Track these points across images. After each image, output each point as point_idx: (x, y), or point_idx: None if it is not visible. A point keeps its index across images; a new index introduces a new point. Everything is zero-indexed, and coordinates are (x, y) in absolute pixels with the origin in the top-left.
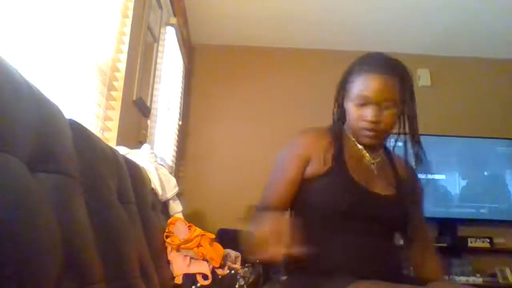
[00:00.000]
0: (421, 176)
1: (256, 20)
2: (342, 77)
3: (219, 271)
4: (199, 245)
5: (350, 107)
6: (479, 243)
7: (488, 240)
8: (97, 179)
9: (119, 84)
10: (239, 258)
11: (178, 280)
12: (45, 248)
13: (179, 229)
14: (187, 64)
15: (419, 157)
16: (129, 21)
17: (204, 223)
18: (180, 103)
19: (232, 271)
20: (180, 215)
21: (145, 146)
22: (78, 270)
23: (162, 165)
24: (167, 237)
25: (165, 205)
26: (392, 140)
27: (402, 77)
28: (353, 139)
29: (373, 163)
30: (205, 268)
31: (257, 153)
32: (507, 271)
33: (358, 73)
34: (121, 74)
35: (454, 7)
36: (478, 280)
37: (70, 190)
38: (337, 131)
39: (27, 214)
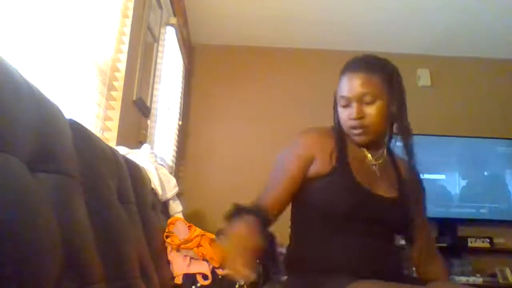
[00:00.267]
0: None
1: (256, 20)
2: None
3: (219, 271)
4: (199, 245)
5: (339, 111)
6: (479, 243)
7: (488, 240)
8: (97, 179)
9: (119, 84)
10: None
11: (178, 280)
12: (45, 248)
13: (179, 229)
14: (187, 64)
15: (410, 150)
16: (129, 21)
17: (204, 223)
18: (180, 103)
19: None
20: (180, 215)
21: (145, 146)
22: (78, 270)
23: (162, 165)
24: (167, 237)
25: (165, 205)
26: (392, 140)
27: (381, 71)
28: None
29: (375, 165)
30: (205, 268)
31: (257, 153)
32: (507, 271)
33: (339, 77)
34: (121, 74)
35: (454, 7)
36: (478, 280)
37: (70, 190)
38: (340, 133)
39: (27, 214)
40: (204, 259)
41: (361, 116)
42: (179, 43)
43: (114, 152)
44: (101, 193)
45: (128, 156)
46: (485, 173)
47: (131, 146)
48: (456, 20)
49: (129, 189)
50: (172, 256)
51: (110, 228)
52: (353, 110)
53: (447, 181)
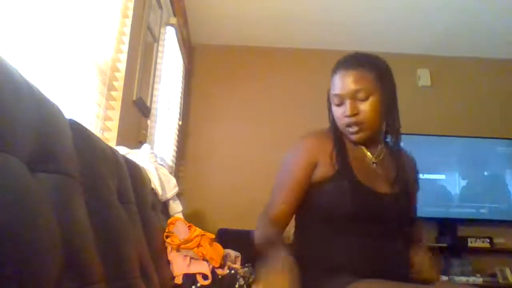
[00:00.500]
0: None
1: (256, 20)
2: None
3: (219, 271)
4: (199, 245)
5: (333, 110)
6: (479, 243)
7: (488, 240)
8: (97, 179)
9: (119, 84)
10: (239, 258)
11: (178, 280)
12: (45, 248)
13: (179, 229)
14: (187, 64)
15: (397, 148)
16: (129, 21)
17: (204, 223)
18: (180, 103)
19: (232, 271)
20: (180, 215)
21: (145, 146)
22: (78, 270)
23: (162, 165)
24: (167, 237)
25: (165, 205)
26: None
27: (372, 67)
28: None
29: (375, 162)
30: (205, 268)
31: (257, 153)
32: (507, 271)
33: (331, 76)
34: (121, 74)
35: (454, 7)
36: (478, 280)
37: (70, 190)
38: (338, 133)
39: (27, 214)
40: (204, 259)
41: (355, 113)
42: (179, 43)
43: (114, 152)
44: (101, 193)
45: (128, 156)
46: (485, 173)
47: (131, 146)
48: (456, 20)
49: (129, 189)
50: (172, 256)
51: (110, 228)
52: (347, 108)
53: (447, 181)
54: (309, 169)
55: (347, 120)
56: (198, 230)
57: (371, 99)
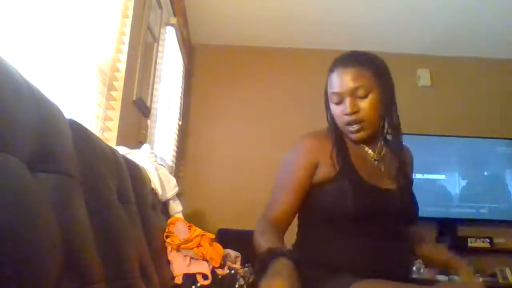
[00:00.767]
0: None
1: (256, 20)
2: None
3: (219, 271)
4: (199, 245)
5: (332, 109)
6: (479, 243)
7: (488, 240)
8: (97, 179)
9: (119, 84)
10: (239, 258)
11: (178, 280)
12: (45, 248)
13: (179, 229)
14: (187, 64)
15: (398, 146)
16: (129, 21)
17: (204, 223)
18: (180, 103)
19: (232, 271)
20: (180, 215)
21: (145, 146)
22: (78, 270)
23: (162, 165)
24: (167, 237)
25: (165, 205)
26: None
27: (371, 65)
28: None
29: (377, 159)
30: (205, 268)
31: (257, 153)
32: (507, 271)
33: (328, 75)
34: (121, 74)
35: (454, 7)
36: (478, 280)
37: (70, 190)
38: (337, 133)
39: (27, 214)
40: (204, 259)
41: (355, 111)
42: (179, 43)
43: (114, 152)
44: (101, 193)
45: (128, 156)
46: (485, 173)
47: (131, 146)
48: (456, 20)
49: (129, 189)
50: (172, 256)
51: (110, 228)
52: (346, 105)
53: (447, 181)
54: (310, 170)
55: (347, 118)
56: (198, 230)
57: (370, 96)
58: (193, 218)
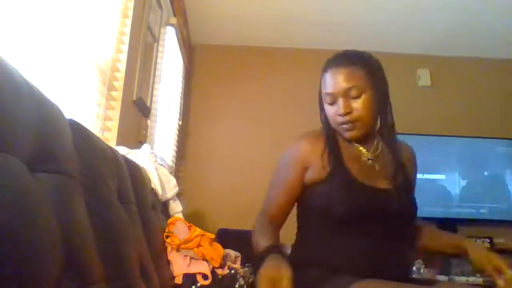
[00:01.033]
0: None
1: (256, 20)
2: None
3: (219, 271)
4: (199, 245)
5: (326, 109)
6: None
7: (488, 240)
8: (97, 179)
9: (119, 84)
10: (239, 258)
11: (178, 280)
12: (45, 248)
13: (179, 229)
14: (187, 64)
15: (392, 145)
16: (129, 21)
17: (204, 223)
18: (180, 103)
19: (232, 271)
20: (180, 215)
21: (145, 146)
22: (78, 270)
23: (162, 165)
24: (167, 237)
25: (165, 205)
26: None
27: (364, 64)
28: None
29: (372, 158)
30: (205, 268)
31: (257, 153)
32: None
33: (322, 75)
34: (121, 74)
35: (454, 7)
36: (478, 280)
37: (70, 190)
38: (330, 133)
39: (27, 214)
40: (204, 259)
41: (348, 111)
42: (179, 43)
43: (114, 152)
44: (101, 193)
45: (128, 156)
46: (485, 173)
47: (131, 146)
48: (456, 20)
49: (129, 189)
50: (172, 256)
51: (110, 228)
52: (340, 106)
53: (447, 181)
54: (300, 172)
55: (341, 119)
56: (198, 230)
57: (363, 96)
58: (193, 218)
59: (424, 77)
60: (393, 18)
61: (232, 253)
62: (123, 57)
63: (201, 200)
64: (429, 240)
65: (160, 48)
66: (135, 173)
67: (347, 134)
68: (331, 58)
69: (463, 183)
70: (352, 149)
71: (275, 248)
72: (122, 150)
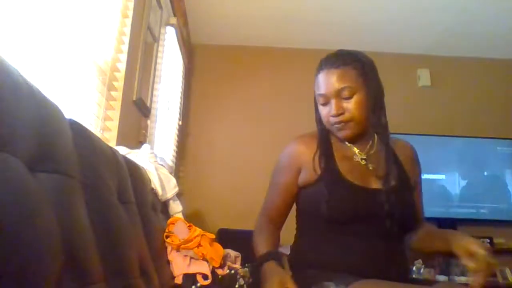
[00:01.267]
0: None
1: (256, 20)
2: None
3: (219, 271)
4: (199, 245)
5: (319, 110)
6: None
7: (488, 240)
8: (97, 179)
9: (119, 84)
10: (239, 258)
11: (178, 280)
12: (45, 248)
13: (179, 229)
14: (187, 64)
15: (386, 145)
16: (129, 21)
17: (204, 223)
18: (180, 103)
19: (232, 271)
20: (180, 215)
21: (145, 146)
22: (78, 270)
23: (162, 165)
24: (167, 237)
25: (165, 205)
26: None
27: (356, 64)
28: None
29: (365, 158)
30: (205, 268)
31: (257, 153)
32: (507, 271)
33: (315, 76)
34: (121, 74)
35: (454, 7)
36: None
37: (70, 190)
38: (323, 135)
39: (27, 214)
40: (204, 259)
41: (341, 112)
42: (179, 43)
43: (114, 152)
44: (101, 193)
45: (128, 156)
46: (485, 173)
47: (131, 146)
48: (456, 20)
49: (129, 189)
50: (172, 256)
51: (110, 228)
52: (332, 107)
53: (447, 181)
54: (294, 175)
55: (333, 119)
56: (198, 230)
57: (356, 96)
58: (193, 218)
59: (424, 77)
60: (393, 18)
61: (232, 253)
62: (123, 57)
63: (201, 200)
64: (421, 241)
65: (160, 48)
66: (135, 173)
67: (340, 134)
68: (323, 59)
69: (463, 183)
70: (345, 149)
71: (272, 254)
72: (122, 150)
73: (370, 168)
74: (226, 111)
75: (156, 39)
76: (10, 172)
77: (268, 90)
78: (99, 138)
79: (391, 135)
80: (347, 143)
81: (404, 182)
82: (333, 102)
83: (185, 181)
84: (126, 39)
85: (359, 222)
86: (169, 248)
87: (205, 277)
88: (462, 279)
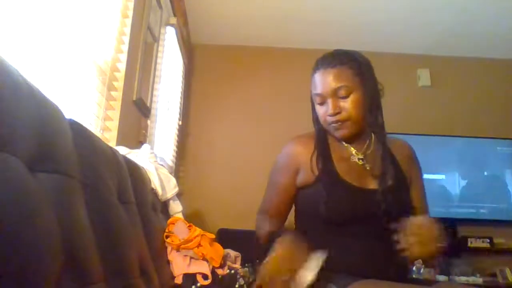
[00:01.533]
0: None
1: (256, 20)
2: None
3: (219, 271)
4: (199, 245)
5: (316, 109)
6: (479, 243)
7: (488, 240)
8: (97, 179)
9: (119, 84)
10: (239, 258)
11: (178, 280)
12: (45, 248)
13: (179, 229)
14: (187, 64)
15: (383, 144)
16: (129, 21)
17: (204, 223)
18: (180, 103)
19: (232, 271)
20: (180, 215)
21: (145, 146)
22: (78, 270)
23: (162, 165)
24: (167, 237)
25: (165, 205)
26: None
27: (352, 64)
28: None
29: (362, 158)
30: (205, 268)
31: (257, 153)
32: (507, 271)
33: (311, 76)
34: (121, 74)
35: (454, 7)
36: (478, 280)
37: (70, 190)
38: (321, 136)
39: (27, 214)
40: (204, 259)
41: (337, 111)
42: (179, 43)
43: (114, 152)
44: (101, 193)
45: (128, 156)
46: (485, 173)
47: (131, 146)
48: (456, 20)
49: (129, 189)
50: (172, 256)
51: (110, 228)
52: (329, 106)
53: (447, 181)
54: (292, 176)
55: (330, 118)
56: (198, 230)
57: (352, 96)
58: (193, 218)
59: (424, 77)
60: (393, 18)
61: (232, 253)
62: (123, 57)
63: (201, 200)
64: None
65: (160, 48)
66: (135, 173)
67: (337, 133)
68: (319, 59)
69: (463, 183)
70: (343, 149)
71: (283, 232)
72: (122, 150)
73: (367, 168)
74: (226, 111)
75: (156, 39)
76: (10, 172)
77: (268, 90)
78: (99, 138)
79: (390, 135)
80: (344, 143)
81: (401, 182)
82: (329, 101)
83: (185, 181)
84: (126, 39)
85: (357, 223)
86: (169, 248)
87: (205, 277)
88: (462, 279)
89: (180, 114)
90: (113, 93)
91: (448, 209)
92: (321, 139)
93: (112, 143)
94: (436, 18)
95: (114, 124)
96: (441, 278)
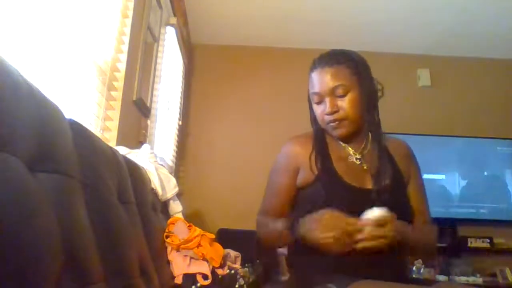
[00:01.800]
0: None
1: (256, 20)
2: None
3: (219, 271)
4: (199, 245)
5: (314, 109)
6: (479, 243)
7: (488, 240)
8: (97, 179)
9: (119, 84)
10: (239, 258)
11: (178, 280)
12: (45, 248)
13: (179, 229)
14: (187, 64)
15: (380, 144)
16: (129, 21)
17: (204, 223)
18: (180, 103)
19: (232, 271)
20: (180, 215)
21: (145, 146)
22: (78, 270)
23: (162, 165)
24: (167, 237)
25: (165, 205)
26: None
27: (349, 63)
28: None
29: (360, 158)
30: (205, 268)
31: (257, 153)
32: (507, 271)
33: (309, 75)
34: (121, 74)
35: (454, 7)
36: (478, 280)
37: (70, 190)
38: (319, 135)
39: (27, 214)
40: (204, 259)
41: (335, 110)
42: (179, 43)
43: (114, 152)
44: (101, 193)
45: (128, 156)
46: (485, 173)
47: (131, 146)
48: (456, 20)
49: (129, 189)
50: (172, 256)
51: (110, 228)
52: (326, 105)
53: (447, 181)
54: (292, 176)
55: (328, 117)
56: (198, 230)
57: (350, 95)
58: (193, 218)
59: (424, 77)
60: (393, 18)
61: (232, 253)
62: (123, 57)
63: (201, 200)
64: None
65: (160, 48)
66: (135, 173)
67: (335, 133)
68: (317, 58)
69: (463, 183)
70: (341, 149)
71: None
72: (122, 150)
73: (365, 167)
74: (226, 111)
75: (156, 39)
76: (10, 172)
77: (268, 90)
78: (99, 138)
79: (388, 135)
80: (341, 142)
81: (398, 181)
82: (327, 100)
83: (185, 181)
84: (126, 39)
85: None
86: (169, 248)
87: (205, 277)
88: (462, 279)
89: (180, 114)
90: (113, 93)
91: (448, 209)
92: (319, 138)
93: (112, 143)
94: (436, 18)
95: (114, 124)
96: (441, 278)
